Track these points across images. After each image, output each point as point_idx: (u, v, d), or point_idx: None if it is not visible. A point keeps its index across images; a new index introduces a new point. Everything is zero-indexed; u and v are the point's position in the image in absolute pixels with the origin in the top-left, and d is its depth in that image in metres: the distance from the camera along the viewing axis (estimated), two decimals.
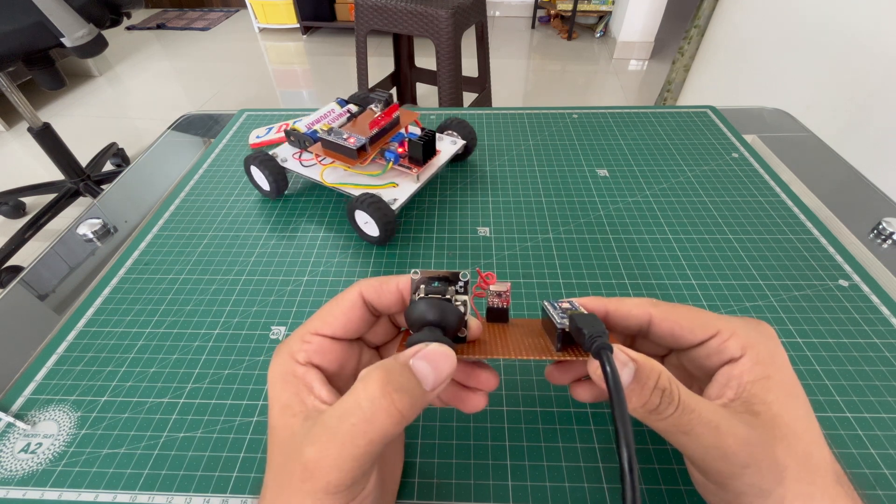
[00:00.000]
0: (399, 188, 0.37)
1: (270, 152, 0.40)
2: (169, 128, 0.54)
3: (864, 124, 0.83)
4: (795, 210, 0.38)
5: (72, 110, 1.98)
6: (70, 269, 0.37)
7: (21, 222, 1.30)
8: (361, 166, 0.37)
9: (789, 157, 0.46)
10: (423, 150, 0.37)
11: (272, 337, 0.30)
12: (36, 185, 1.40)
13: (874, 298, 0.31)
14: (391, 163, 0.37)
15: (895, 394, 0.26)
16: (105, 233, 0.40)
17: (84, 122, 1.90)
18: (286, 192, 0.42)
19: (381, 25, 1.22)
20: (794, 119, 0.52)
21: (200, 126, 0.54)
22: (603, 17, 2.55)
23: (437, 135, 0.42)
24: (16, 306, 0.34)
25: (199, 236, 0.38)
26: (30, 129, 1.24)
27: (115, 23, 1.06)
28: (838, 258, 0.34)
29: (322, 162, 0.38)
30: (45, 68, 1.05)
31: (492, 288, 0.20)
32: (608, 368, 0.15)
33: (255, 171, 0.39)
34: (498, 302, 0.21)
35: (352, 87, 2.10)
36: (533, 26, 2.74)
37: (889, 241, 0.36)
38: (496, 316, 0.21)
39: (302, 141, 0.39)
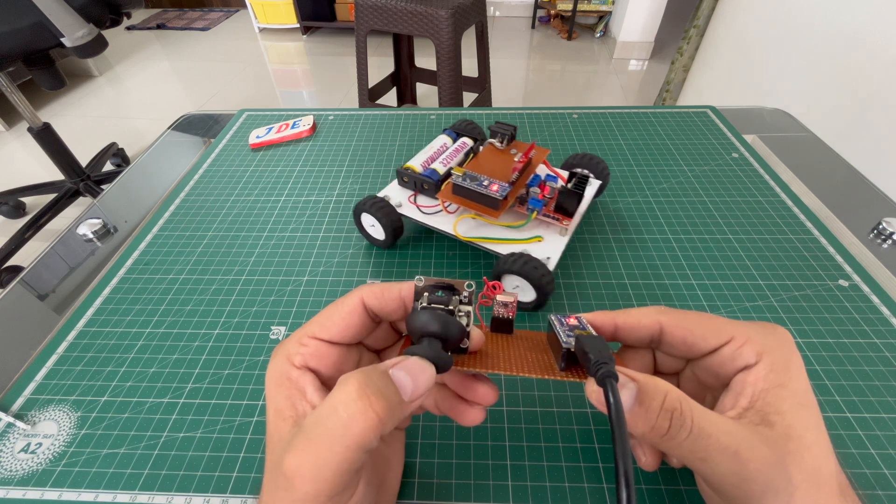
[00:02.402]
0: (545, 243, 0.31)
1: (380, 194, 0.35)
2: (169, 128, 0.54)
3: (864, 124, 0.83)
4: (795, 210, 0.38)
5: (72, 110, 1.98)
6: (70, 269, 0.37)
7: (21, 222, 1.30)
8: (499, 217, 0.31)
9: (789, 157, 0.46)
10: (578, 199, 0.31)
11: (272, 337, 0.30)
12: (36, 185, 1.40)
13: (874, 298, 0.31)
14: (535, 213, 0.32)
15: (895, 394, 0.26)
16: (105, 233, 0.40)
17: (84, 122, 1.90)
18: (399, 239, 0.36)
19: (381, 25, 1.22)
20: (794, 119, 0.52)
21: (200, 126, 0.54)
22: (603, 17, 2.55)
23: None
24: (16, 306, 0.34)
25: (199, 236, 0.38)
26: (30, 129, 1.24)
27: (115, 23, 1.06)
28: (838, 258, 0.34)
29: (448, 209, 0.33)
30: (45, 68, 1.05)
31: (498, 298, 0.20)
32: (612, 399, 0.15)
33: (366, 218, 0.34)
34: (503, 312, 0.20)
35: (352, 87, 2.10)
36: (533, 26, 2.74)
37: (889, 241, 0.36)
38: (500, 326, 0.21)
39: (419, 183, 0.34)
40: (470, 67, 1.47)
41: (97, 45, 0.99)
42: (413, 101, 1.71)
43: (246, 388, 0.27)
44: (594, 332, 0.19)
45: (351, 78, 2.18)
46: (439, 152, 0.37)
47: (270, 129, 0.50)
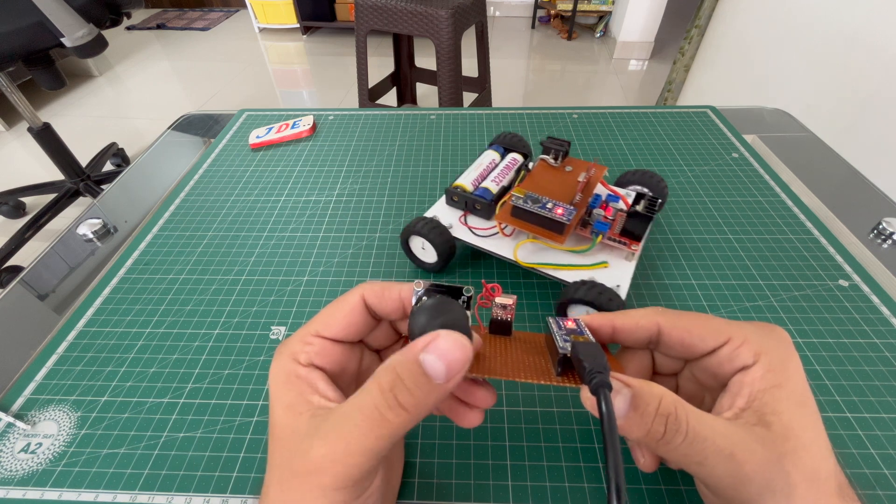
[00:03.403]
0: (612, 269, 0.29)
1: (429, 215, 0.33)
2: (169, 128, 0.54)
3: (864, 124, 0.83)
4: (795, 210, 0.38)
5: (72, 110, 1.98)
6: (70, 269, 0.37)
7: (21, 222, 1.29)
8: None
9: (789, 157, 0.46)
10: (648, 222, 0.30)
11: (272, 337, 0.30)
12: (36, 185, 1.39)
13: (874, 298, 0.31)
14: (600, 236, 0.30)
15: (895, 394, 0.26)
16: (105, 233, 0.40)
17: (84, 122, 1.90)
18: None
19: (381, 25, 1.22)
20: (794, 119, 0.52)
21: (200, 126, 0.54)
22: (603, 17, 2.55)
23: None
24: (16, 306, 0.34)
25: (199, 236, 0.38)
26: (30, 129, 1.24)
27: (115, 23, 1.06)
28: (838, 258, 0.34)
29: (504, 231, 0.31)
30: (45, 68, 1.05)
31: (497, 300, 0.20)
32: (604, 409, 0.15)
33: (415, 240, 0.32)
34: (502, 314, 0.20)
35: (352, 87, 2.10)
36: (533, 26, 2.74)
37: (889, 241, 0.36)
38: (499, 328, 0.21)
39: (471, 203, 0.32)
40: (470, 67, 1.47)
41: (97, 45, 0.99)
42: (413, 101, 1.71)
43: (246, 388, 0.27)
44: (591, 336, 0.19)
45: (351, 78, 2.18)
46: (489, 169, 0.35)
47: (270, 129, 0.50)
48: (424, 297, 0.18)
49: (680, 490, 0.22)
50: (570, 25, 2.51)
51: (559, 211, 0.28)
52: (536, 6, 2.67)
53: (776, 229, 0.36)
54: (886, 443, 0.24)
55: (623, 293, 0.28)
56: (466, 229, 0.32)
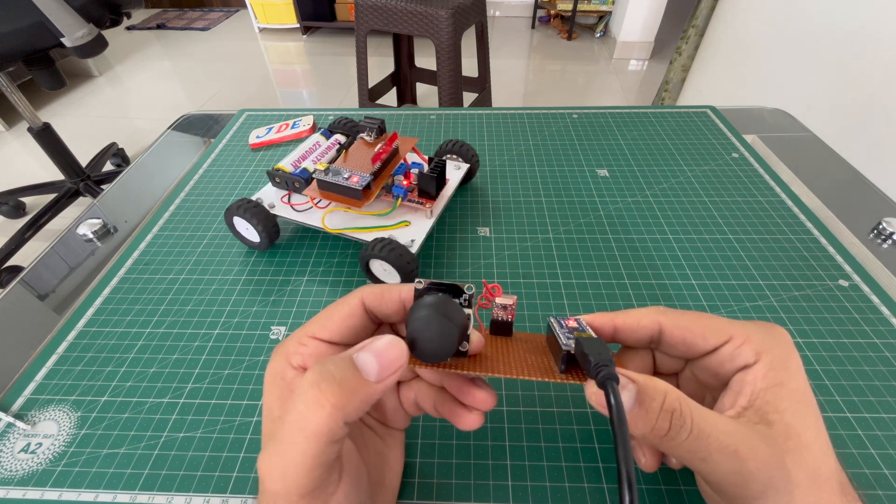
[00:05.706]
0: (413, 227, 0.33)
1: (254, 197, 0.35)
2: (169, 128, 0.54)
3: (864, 124, 0.83)
4: (795, 210, 0.38)
5: (72, 110, 1.98)
6: (70, 269, 0.37)
7: (21, 222, 1.29)
8: (367, 206, 0.33)
9: (789, 157, 0.46)
10: (437, 182, 0.34)
11: (272, 337, 0.30)
12: (36, 185, 1.39)
13: (874, 298, 0.31)
14: (400, 199, 0.34)
15: (895, 394, 0.26)
16: (105, 233, 0.40)
17: (84, 122, 1.90)
18: (276, 240, 0.36)
19: (381, 25, 1.22)
20: (794, 119, 0.52)
21: (200, 126, 0.54)
22: (603, 17, 2.55)
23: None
24: (16, 306, 0.34)
25: (199, 236, 0.38)
26: (30, 129, 1.24)
27: (115, 23, 1.06)
28: (838, 258, 0.34)
29: (318, 205, 0.34)
30: (45, 68, 1.05)
31: (497, 300, 0.20)
32: (613, 402, 0.15)
33: (238, 222, 0.34)
34: (503, 315, 0.20)
35: (352, 87, 2.10)
36: (533, 26, 2.74)
37: (889, 241, 0.36)
38: (500, 329, 0.21)
39: (290, 182, 0.35)
40: (470, 67, 1.47)
41: (97, 45, 0.99)
42: (413, 101, 1.71)
43: (246, 388, 0.27)
44: (593, 334, 0.19)
45: (351, 78, 2.18)
46: (311, 151, 0.37)
47: (270, 129, 0.50)
48: (425, 295, 0.18)
49: (680, 490, 0.22)
50: (570, 25, 2.51)
51: (354, 179, 0.32)
52: (536, 6, 2.67)
53: (776, 229, 0.36)
54: (886, 443, 0.24)
55: (416, 248, 0.32)
56: (288, 207, 0.35)
